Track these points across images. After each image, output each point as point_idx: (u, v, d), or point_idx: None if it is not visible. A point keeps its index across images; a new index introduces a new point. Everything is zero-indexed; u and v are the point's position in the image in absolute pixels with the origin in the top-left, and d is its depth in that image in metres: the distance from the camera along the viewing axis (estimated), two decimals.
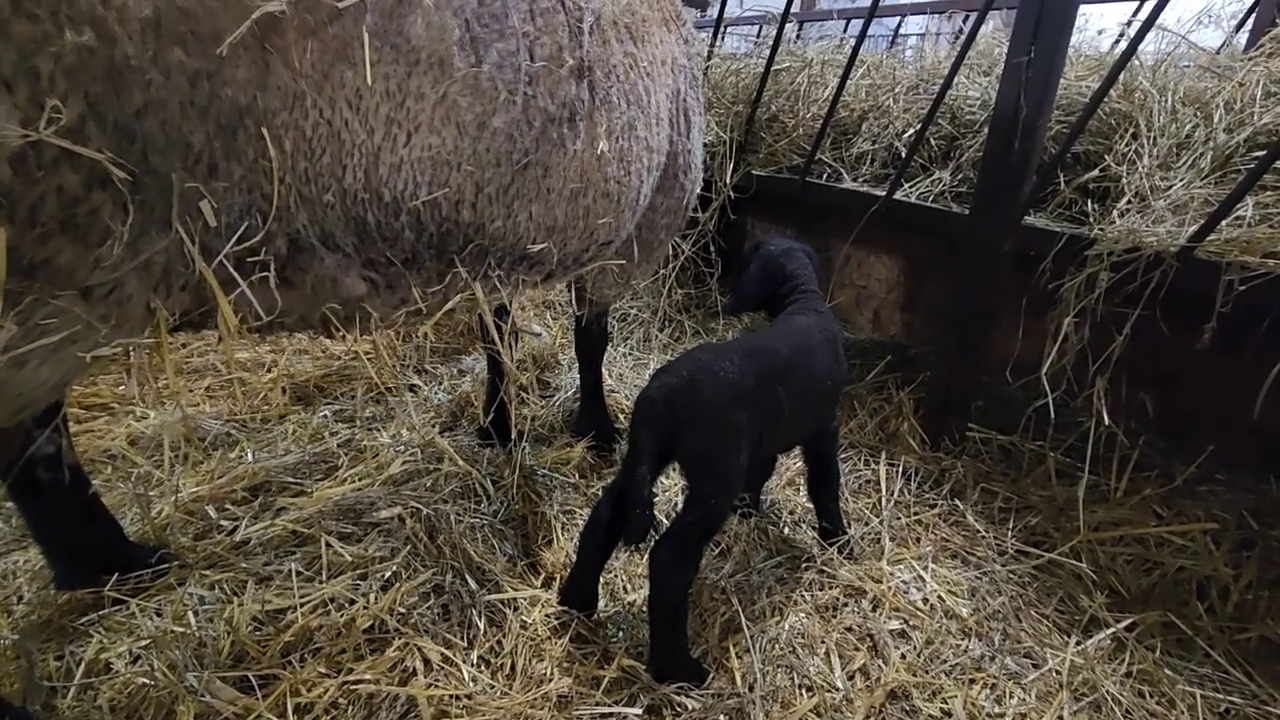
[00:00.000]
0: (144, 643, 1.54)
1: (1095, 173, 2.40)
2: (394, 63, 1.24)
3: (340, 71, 1.18)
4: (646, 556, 1.61)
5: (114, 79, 0.96)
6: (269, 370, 2.88)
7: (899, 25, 5.08)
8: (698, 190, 2.31)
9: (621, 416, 2.74)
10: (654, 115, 1.84)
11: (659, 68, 1.87)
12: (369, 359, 2.70)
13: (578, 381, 2.68)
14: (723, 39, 4.14)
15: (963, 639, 1.75)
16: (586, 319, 2.42)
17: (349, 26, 1.17)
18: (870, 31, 3.00)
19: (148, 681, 1.43)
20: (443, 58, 1.29)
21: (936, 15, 4.70)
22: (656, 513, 2.16)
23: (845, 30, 4.58)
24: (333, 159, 1.23)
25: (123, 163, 0.99)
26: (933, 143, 2.99)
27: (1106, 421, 2.05)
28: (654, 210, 2.13)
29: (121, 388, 2.60)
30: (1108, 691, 1.60)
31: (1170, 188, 2.13)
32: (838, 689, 1.58)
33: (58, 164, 0.94)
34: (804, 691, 1.57)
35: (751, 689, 1.55)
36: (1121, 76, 2.28)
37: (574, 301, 2.44)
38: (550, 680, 1.54)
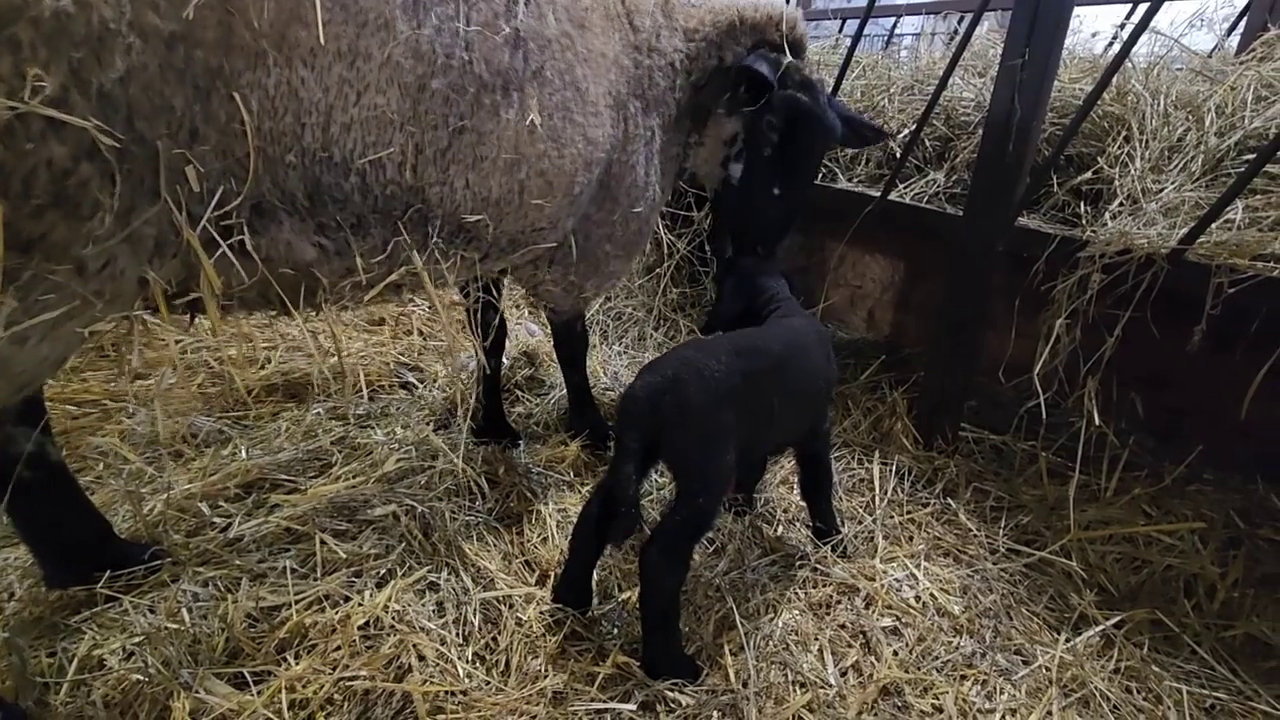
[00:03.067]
0: (138, 639, 1.53)
1: (1088, 175, 2.41)
2: (344, 23, 1.30)
3: (296, 31, 1.23)
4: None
5: (94, 44, 0.98)
6: (262, 368, 2.87)
7: (894, 25, 5.09)
8: (641, 212, 2.17)
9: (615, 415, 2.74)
10: (591, 105, 1.85)
11: (598, 59, 1.88)
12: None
13: None
14: None
15: (954, 636, 1.77)
16: (557, 323, 2.43)
17: None
18: (866, 31, 3.01)
19: (142, 678, 1.43)
20: (388, 19, 1.35)
21: (932, 16, 4.71)
22: (654, 510, 2.17)
23: (841, 30, 4.59)
24: (294, 118, 1.28)
25: (109, 130, 1.00)
26: (927, 143, 3.00)
27: (1097, 422, 2.08)
28: (589, 220, 2.10)
29: (112, 384, 2.59)
30: (1096, 688, 1.62)
31: (1162, 190, 2.15)
32: (830, 685, 1.59)
33: (45, 136, 0.95)
34: (797, 688, 1.58)
35: (745, 685, 1.56)
36: (1114, 79, 2.30)
37: (543, 310, 2.43)
38: (545, 676, 1.55)
